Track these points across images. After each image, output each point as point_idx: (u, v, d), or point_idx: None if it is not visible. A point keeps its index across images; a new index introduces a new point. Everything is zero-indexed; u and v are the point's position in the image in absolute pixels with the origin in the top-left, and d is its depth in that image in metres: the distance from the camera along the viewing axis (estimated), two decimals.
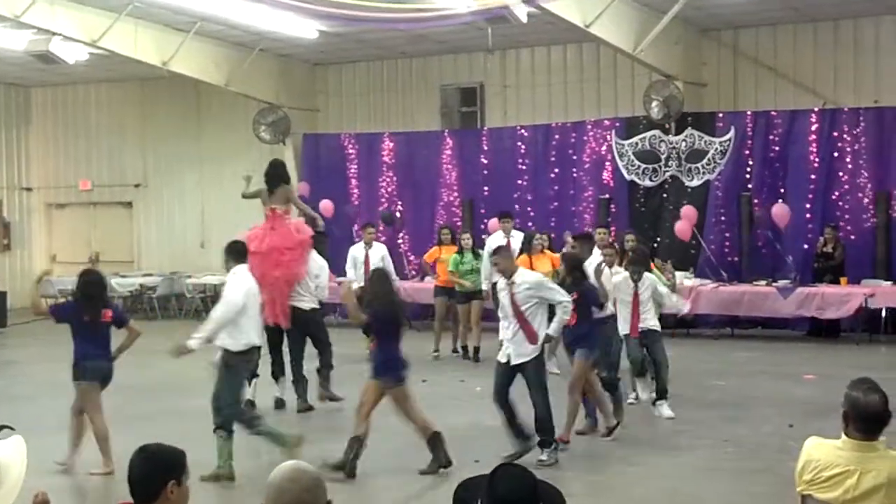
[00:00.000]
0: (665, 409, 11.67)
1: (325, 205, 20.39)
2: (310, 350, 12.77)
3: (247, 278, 9.66)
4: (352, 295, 10.39)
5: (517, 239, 15.19)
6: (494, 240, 15.03)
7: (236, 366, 9.45)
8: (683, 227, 18.46)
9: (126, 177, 25.43)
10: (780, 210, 18.10)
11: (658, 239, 19.09)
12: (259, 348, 9.94)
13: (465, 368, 15.27)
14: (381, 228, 20.04)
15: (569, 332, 10.31)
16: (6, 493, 3.79)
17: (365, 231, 16.31)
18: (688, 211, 18.59)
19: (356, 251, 16.21)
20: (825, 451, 4.86)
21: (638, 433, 10.94)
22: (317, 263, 12.82)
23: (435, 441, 9.25)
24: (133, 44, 19.37)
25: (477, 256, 16.06)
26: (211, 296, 22.73)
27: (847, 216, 18.30)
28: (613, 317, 11.49)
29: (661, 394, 11.74)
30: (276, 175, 12.90)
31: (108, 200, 25.70)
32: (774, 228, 18.34)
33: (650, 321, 11.66)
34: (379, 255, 15.84)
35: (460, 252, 16.23)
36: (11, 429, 4.62)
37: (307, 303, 12.54)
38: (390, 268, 14.71)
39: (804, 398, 12.63)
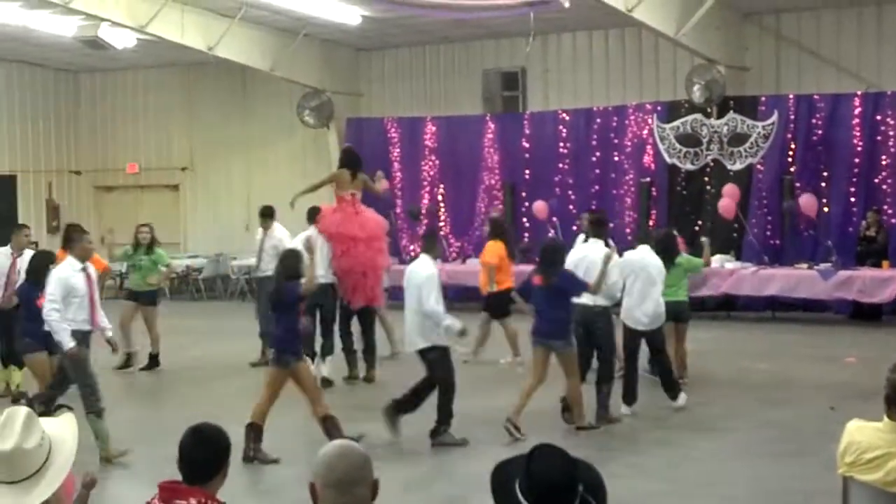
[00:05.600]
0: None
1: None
2: None
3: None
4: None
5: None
6: None
7: None
8: (727, 204, 18.45)
9: (173, 160, 25.75)
10: (808, 201, 18.11)
11: (700, 222, 19.16)
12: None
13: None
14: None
15: None
16: (59, 469, 3.92)
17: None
18: (730, 189, 18.58)
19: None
20: (867, 433, 4.97)
21: (678, 416, 11.08)
22: None
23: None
24: (180, 30, 19.63)
25: None
26: (255, 278, 23.04)
27: (889, 199, 18.27)
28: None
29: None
30: (357, 160, 13.31)
31: (155, 184, 26.04)
32: (803, 218, 18.36)
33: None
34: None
35: None
36: (69, 408, 4.83)
37: None
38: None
39: (845, 381, 12.69)
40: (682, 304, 12.04)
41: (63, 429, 4.09)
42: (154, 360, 14.37)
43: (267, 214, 15.02)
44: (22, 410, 3.92)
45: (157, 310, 14.56)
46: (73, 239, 9.90)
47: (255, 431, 9.41)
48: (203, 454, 4.14)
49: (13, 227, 13.47)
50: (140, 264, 14.48)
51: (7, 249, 12.76)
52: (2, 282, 12.48)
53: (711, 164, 19.36)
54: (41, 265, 10.58)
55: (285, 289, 9.59)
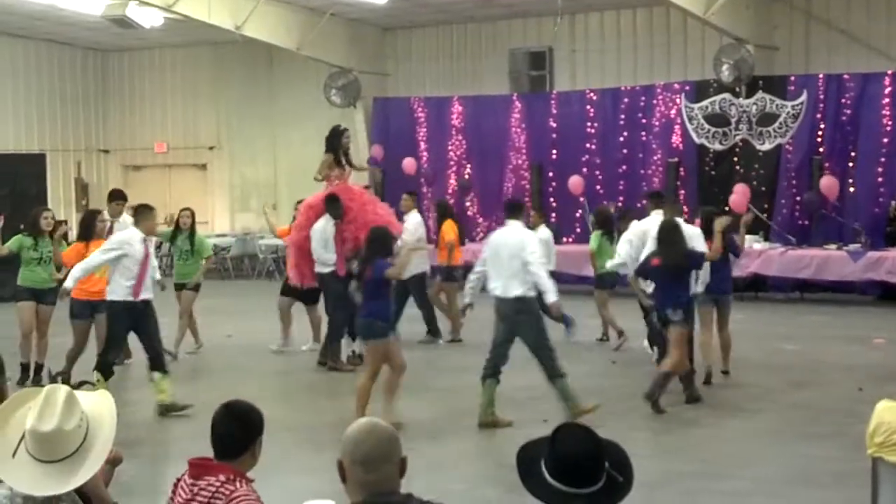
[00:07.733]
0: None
1: (408, 163, 20.89)
2: None
3: None
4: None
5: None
6: None
7: None
8: (738, 200, 18.35)
9: (200, 139, 25.85)
10: (828, 183, 17.97)
11: (728, 203, 19.02)
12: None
13: None
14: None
15: None
16: (102, 447, 3.93)
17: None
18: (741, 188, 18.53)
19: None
20: None
21: (706, 396, 11.03)
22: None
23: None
24: (207, 9, 19.66)
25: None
26: (283, 257, 23.15)
27: None
28: None
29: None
30: (327, 144, 13.42)
31: (182, 163, 26.17)
32: (827, 202, 18.23)
33: None
34: None
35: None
36: (92, 384, 4.86)
37: (323, 268, 12.77)
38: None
39: (874, 362, 12.63)
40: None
41: (100, 406, 4.08)
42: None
43: (119, 197, 12.96)
44: (62, 389, 3.92)
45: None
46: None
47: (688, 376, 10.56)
48: (233, 430, 4.14)
49: (140, 208, 10.61)
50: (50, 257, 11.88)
51: (137, 234, 10.26)
52: (135, 271, 10.07)
53: (740, 144, 19.26)
54: (384, 237, 9.82)
55: (692, 255, 10.38)
